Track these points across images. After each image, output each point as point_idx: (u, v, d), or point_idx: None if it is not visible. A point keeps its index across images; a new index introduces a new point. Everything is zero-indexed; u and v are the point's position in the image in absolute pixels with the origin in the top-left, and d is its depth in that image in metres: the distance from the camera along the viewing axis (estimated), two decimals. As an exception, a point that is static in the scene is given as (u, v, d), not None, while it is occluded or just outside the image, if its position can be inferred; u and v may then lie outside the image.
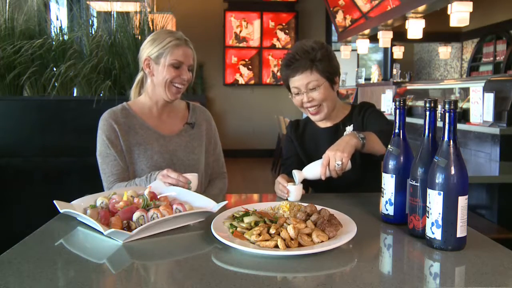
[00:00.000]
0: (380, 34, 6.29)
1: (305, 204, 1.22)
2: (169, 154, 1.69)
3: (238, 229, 1.11)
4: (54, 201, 1.26)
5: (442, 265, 0.99)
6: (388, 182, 1.22)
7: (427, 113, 1.11)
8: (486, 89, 2.95)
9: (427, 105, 1.11)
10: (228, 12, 8.35)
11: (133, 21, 2.85)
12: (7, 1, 2.70)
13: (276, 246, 1.00)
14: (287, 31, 8.48)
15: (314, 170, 1.48)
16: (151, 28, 2.88)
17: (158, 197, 1.33)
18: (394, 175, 1.21)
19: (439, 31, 7.25)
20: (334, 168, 1.41)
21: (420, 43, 8.94)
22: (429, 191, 1.05)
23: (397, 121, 1.23)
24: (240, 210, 1.23)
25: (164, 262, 1.03)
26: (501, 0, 6.70)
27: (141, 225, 1.13)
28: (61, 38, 2.79)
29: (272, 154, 7.40)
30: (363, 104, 1.78)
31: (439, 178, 1.03)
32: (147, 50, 1.68)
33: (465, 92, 3.65)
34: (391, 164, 1.22)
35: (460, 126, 3.00)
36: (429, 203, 1.05)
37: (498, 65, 7.09)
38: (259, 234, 1.03)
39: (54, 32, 2.84)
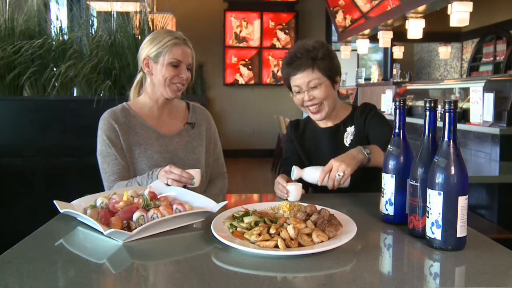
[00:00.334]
0: (380, 34, 6.29)
1: (305, 204, 1.22)
2: (170, 154, 1.69)
3: (238, 229, 1.11)
4: (54, 201, 1.26)
5: (442, 265, 0.99)
6: (388, 182, 1.22)
7: (427, 113, 1.11)
8: (486, 89, 2.95)
9: (427, 105, 1.11)
10: (228, 12, 8.35)
11: (133, 21, 2.85)
12: (7, 1, 2.70)
13: (276, 246, 1.00)
14: (287, 31, 8.48)
15: (313, 174, 1.48)
16: (151, 28, 2.88)
17: (158, 197, 1.33)
18: (394, 175, 1.21)
19: (439, 31, 7.25)
20: (334, 177, 1.42)
21: (420, 43, 8.94)
22: (429, 191, 1.05)
23: (397, 121, 1.23)
24: (240, 210, 1.23)
25: (164, 262, 1.03)
26: (501, 0, 6.70)
27: (141, 225, 1.13)
28: (61, 38, 2.79)
29: (272, 154, 7.41)
30: (365, 105, 1.78)
31: (439, 178, 1.03)
32: (146, 49, 1.68)
33: (465, 92, 3.65)
34: (391, 164, 1.22)
35: (460, 126, 3.00)
36: (429, 203, 1.05)
37: (498, 65, 7.09)
38: (259, 234, 1.03)
39: (54, 32, 2.84)
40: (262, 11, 8.40)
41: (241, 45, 8.45)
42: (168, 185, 1.46)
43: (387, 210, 1.24)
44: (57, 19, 2.88)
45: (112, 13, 2.95)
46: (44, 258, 1.00)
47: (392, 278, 0.93)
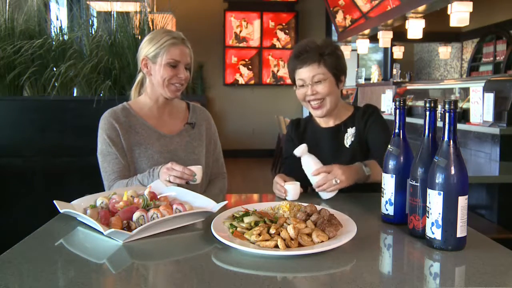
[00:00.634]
0: (380, 34, 6.29)
1: (305, 204, 1.22)
2: (170, 154, 1.69)
3: (238, 229, 1.11)
4: (54, 201, 1.26)
5: (442, 265, 0.99)
6: (388, 182, 1.23)
7: (427, 113, 1.11)
8: (486, 89, 2.95)
9: (427, 105, 1.11)
10: (228, 12, 8.35)
11: (133, 21, 2.84)
12: (7, 1, 2.70)
13: (276, 246, 1.00)
14: (287, 31, 8.48)
15: (312, 165, 1.48)
16: (151, 28, 2.88)
17: (158, 197, 1.33)
18: (394, 175, 1.21)
19: (439, 31, 7.24)
20: (329, 179, 1.43)
21: (420, 43, 8.93)
22: (429, 191, 1.05)
23: (397, 121, 1.23)
24: (240, 210, 1.23)
25: (164, 262, 1.03)
26: (501, 0, 6.70)
27: (141, 225, 1.13)
28: (61, 38, 2.79)
29: (272, 154, 7.40)
30: (367, 107, 1.77)
31: (439, 178, 1.03)
32: (144, 49, 1.69)
33: (465, 92, 3.65)
34: (391, 164, 1.22)
35: (460, 126, 3.00)
36: (429, 203, 1.05)
37: (498, 65, 7.09)
38: (259, 234, 1.03)
39: (54, 32, 2.84)
40: (262, 11, 8.40)
41: (241, 45, 8.44)
42: (170, 182, 1.46)
43: (387, 210, 1.24)
44: (57, 19, 2.88)
45: (112, 13, 2.95)
46: (44, 258, 1.00)
47: (392, 278, 0.93)
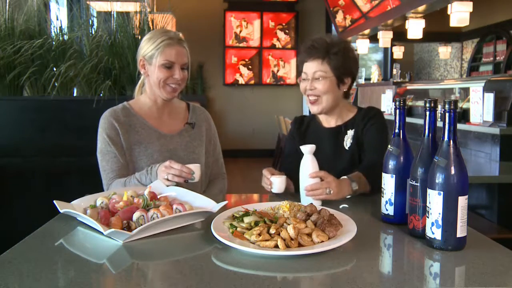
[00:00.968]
0: (380, 34, 6.29)
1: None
2: (170, 153, 1.69)
3: (238, 229, 1.11)
4: (54, 201, 1.26)
5: (442, 265, 0.99)
6: (388, 182, 1.23)
7: (427, 113, 1.11)
8: (486, 89, 2.95)
9: (427, 105, 1.11)
10: (228, 12, 8.35)
11: (133, 21, 2.84)
12: (7, 1, 2.70)
13: (276, 246, 1.00)
14: (287, 31, 8.48)
15: (310, 165, 1.45)
16: (151, 28, 2.88)
17: (158, 197, 1.33)
18: (394, 175, 1.21)
19: (439, 31, 7.24)
20: (323, 186, 1.39)
21: (420, 43, 8.93)
22: (429, 191, 1.05)
23: (397, 121, 1.23)
24: (240, 210, 1.23)
25: (164, 262, 1.03)
26: (501, 0, 6.70)
27: (141, 225, 1.13)
28: (61, 38, 2.79)
29: (272, 154, 7.40)
30: (369, 110, 1.75)
31: (439, 178, 1.03)
32: (142, 50, 1.69)
33: (465, 92, 3.64)
34: (391, 164, 1.22)
35: (460, 126, 3.00)
36: (429, 203, 1.05)
37: (498, 65, 7.09)
38: (259, 234, 1.03)
39: (54, 32, 2.84)
40: (262, 11, 8.40)
41: (241, 45, 8.44)
42: (168, 180, 1.46)
43: (387, 210, 1.24)
44: (57, 19, 2.88)
45: (112, 13, 2.95)
46: (44, 258, 1.00)
47: (392, 278, 0.93)
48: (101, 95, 2.60)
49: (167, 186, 1.47)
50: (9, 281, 0.89)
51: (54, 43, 2.73)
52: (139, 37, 2.77)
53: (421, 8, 4.90)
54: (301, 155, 1.48)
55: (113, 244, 1.08)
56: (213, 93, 8.43)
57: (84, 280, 0.89)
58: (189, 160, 1.72)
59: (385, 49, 8.96)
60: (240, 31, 8.42)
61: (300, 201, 1.39)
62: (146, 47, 1.67)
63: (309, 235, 1.05)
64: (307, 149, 1.45)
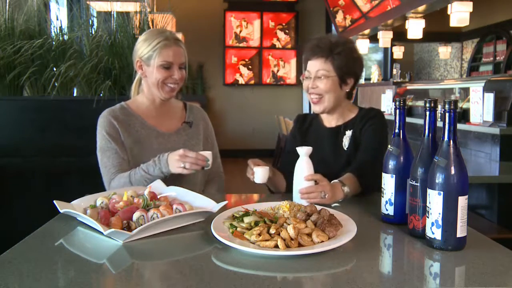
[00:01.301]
0: (380, 34, 6.28)
1: (305, 204, 1.22)
2: (168, 152, 1.70)
3: (238, 229, 1.11)
4: (54, 201, 1.26)
5: (442, 265, 0.99)
6: (388, 182, 1.23)
7: (427, 113, 1.11)
8: (486, 89, 2.95)
9: (427, 105, 1.11)
10: (228, 12, 8.35)
11: (133, 21, 2.84)
12: (7, 1, 2.70)
13: (276, 246, 1.00)
14: (287, 31, 8.48)
15: (306, 171, 1.44)
16: (151, 28, 2.88)
17: (158, 197, 1.33)
18: (394, 175, 1.21)
19: (439, 31, 7.24)
20: (318, 190, 1.38)
21: (420, 43, 8.93)
22: (429, 191, 1.05)
23: (397, 121, 1.23)
24: (240, 210, 1.23)
25: (164, 262, 1.03)
26: (501, 0, 6.70)
27: (141, 225, 1.13)
28: (61, 38, 2.79)
29: (272, 154, 7.40)
30: (369, 110, 1.75)
31: (439, 178, 1.03)
32: (138, 51, 1.70)
33: (465, 92, 3.64)
34: (391, 164, 1.22)
35: (460, 126, 3.00)
36: (429, 203, 1.05)
37: (498, 65, 7.09)
38: (259, 234, 1.03)
39: (54, 32, 2.83)
40: (262, 11, 8.40)
41: (241, 45, 8.44)
42: (186, 169, 1.48)
43: (387, 210, 1.24)
44: (57, 19, 2.87)
45: (112, 13, 2.94)
46: (44, 258, 1.00)
47: (392, 278, 0.93)
48: (101, 95, 2.60)
49: (185, 174, 1.50)
50: (9, 281, 0.89)
51: (54, 43, 2.73)
52: (139, 37, 2.76)
53: (421, 8, 4.90)
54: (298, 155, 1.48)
55: (113, 244, 1.08)
56: (213, 93, 8.43)
57: (84, 280, 0.89)
58: None
59: (385, 49, 8.96)
60: (240, 31, 8.42)
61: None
62: (143, 48, 1.67)
63: (309, 235, 1.05)
64: (303, 151, 1.45)
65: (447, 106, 1.03)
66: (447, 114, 1.03)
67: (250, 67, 8.50)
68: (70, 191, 1.51)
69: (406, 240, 1.14)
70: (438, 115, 1.27)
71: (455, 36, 7.93)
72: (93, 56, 2.65)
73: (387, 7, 5.75)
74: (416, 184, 1.11)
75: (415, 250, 1.08)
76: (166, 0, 4.15)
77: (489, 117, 2.86)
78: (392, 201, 1.22)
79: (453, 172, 1.02)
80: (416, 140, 1.60)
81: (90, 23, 2.99)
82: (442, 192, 1.02)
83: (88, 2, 3.79)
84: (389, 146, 1.24)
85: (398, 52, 8.19)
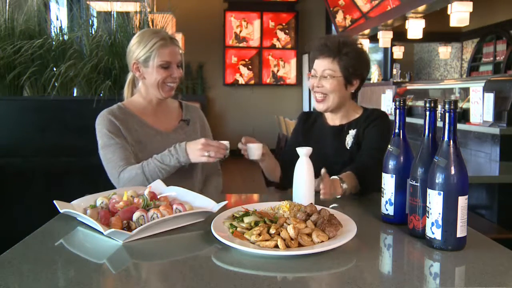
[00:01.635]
0: (380, 34, 6.29)
1: (305, 204, 1.22)
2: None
3: (238, 229, 1.10)
4: (54, 201, 1.26)
5: (442, 265, 0.99)
6: (388, 182, 1.23)
7: (427, 113, 1.11)
8: (486, 89, 2.95)
9: (427, 105, 1.11)
10: (228, 12, 8.35)
11: (133, 21, 2.85)
12: (7, 1, 2.70)
13: (276, 246, 1.00)
14: (287, 31, 8.48)
15: (305, 170, 1.43)
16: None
17: (158, 197, 1.33)
18: (394, 175, 1.21)
19: (439, 31, 7.24)
20: (316, 183, 1.40)
21: (420, 43, 8.93)
22: (429, 191, 1.05)
23: (397, 121, 1.23)
24: (240, 210, 1.23)
25: (164, 262, 1.03)
26: (501, 0, 6.70)
27: (141, 225, 1.13)
28: (61, 38, 2.79)
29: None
30: (373, 111, 1.75)
31: (439, 178, 1.03)
32: (134, 53, 1.69)
33: (465, 92, 3.65)
34: (391, 164, 1.22)
35: (460, 126, 3.00)
36: (429, 203, 1.05)
37: (498, 65, 7.09)
38: (259, 234, 1.03)
39: (54, 32, 2.84)
40: (262, 11, 8.41)
41: (241, 45, 8.45)
42: (210, 157, 1.51)
43: (387, 210, 1.24)
44: (57, 19, 2.87)
45: (112, 13, 2.94)
46: (44, 258, 1.00)
47: (392, 278, 0.93)
48: (101, 95, 2.60)
49: (208, 162, 1.55)
50: (9, 281, 0.89)
51: (54, 43, 2.73)
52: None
53: (421, 8, 4.91)
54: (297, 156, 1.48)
55: (113, 244, 1.08)
56: (213, 93, 8.43)
57: (84, 280, 0.89)
58: None
59: (385, 49, 8.96)
60: (240, 31, 8.42)
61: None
62: (139, 50, 1.67)
63: (309, 235, 1.05)
64: (303, 151, 1.45)
65: (447, 106, 1.03)
66: (447, 114, 1.03)
67: (250, 67, 8.50)
68: (70, 191, 1.51)
69: (406, 240, 1.14)
70: (438, 115, 1.27)
71: (455, 36, 7.93)
72: (93, 56, 2.66)
73: (387, 7, 5.75)
74: (416, 184, 1.11)
75: (415, 250, 1.08)
76: (166, 0, 4.15)
77: (489, 117, 2.86)
78: (392, 201, 1.22)
79: (453, 172, 1.02)
80: (416, 140, 1.60)
81: (90, 23, 2.99)
82: (442, 192, 1.02)
83: (88, 2, 3.79)
84: (389, 146, 1.24)
85: (398, 52, 8.19)
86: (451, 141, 1.03)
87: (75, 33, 2.86)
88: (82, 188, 1.50)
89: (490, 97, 2.86)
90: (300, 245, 1.02)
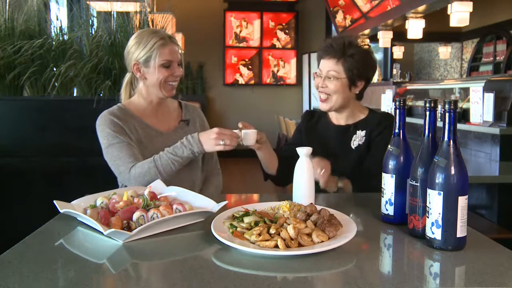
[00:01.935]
0: (380, 34, 6.29)
1: (305, 204, 1.22)
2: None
3: (238, 229, 1.10)
4: (54, 201, 1.26)
5: (442, 265, 0.99)
6: (388, 182, 1.23)
7: (427, 113, 1.11)
8: (486, 89, 2.95)
9: (427, 105, 1.11)
10: (228, 12, 8.35)
11: (133, 21, 2.85)
12: (7, 1, 2.70)
13: (276, 246, 1.00)
14: (287, 31, 8.48)
15: (305, 170, 1.44)
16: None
17: (158, 197, 1.33)
18: (394, 175, 1.21)
19: (439, 31, 7.24)
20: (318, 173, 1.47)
21: (420, 43, 8.94)
22: (429, 191, 1.05)
23: (397, 121, 1.23)
24: (240, 210, 1.23)
25: (164, 262, 1.03)
26: (501, 0, 6.70)
27: (141, 225, 1.13)
28: (61, 38, 2.79)
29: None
30: (386, 117, 1.74)
31: (439, 178, 1.03)
32: (133, 54, 1.69)
33: (465, 92, 3.65)
34: (391, 164, 1.22)
35: (460, 126, 3.00)
36: (429, 203, 1.05)
37: (498, 65, 7.09)
38: (259, 234, 1.03)
39: (54, 32, 2.84)
40: (262, 11, 8.40)
41: (241, 45, 8.45)
42: (226, 145, 1.53)
43: (387, 210, 1.24)
44: (57, 19, 2.87)
45: (112, 13, 2.94)
46: (44, 258, 1.00)
47: (392, 278, 0.93)
48: (101, 95, 2.60)
49: (223, 150, 1.56)
50: (9, 281, 0.89)
51: (54, 43, 2.73)
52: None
53: (421, 8, 4.91)
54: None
55: (113, 244, 1.08)
56: (213, 93, 8.43)
57: (84, 280, 0.89)
58: None
59: (385, 49, 8.96)
60: (240, 31, 8.42)
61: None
62: (138, 51, 1.67)
63: (309, 235, 1.05)
64: (303, 152, 1.45)
65: (447, 106, 1.03)
66: (447, 114, 1.03)
67: (250, 67, 8.50)
68: (70, 191, 1.51)
69: (406, 240, 1.14)
70: (438, 115, 1.28)
71: (455, 36, 7.93)
72: (93, 56, 2.66)
73: (387, 7, 5.75)
74: (416, 184, 1.11)
75: (415, 250, 1.08)
76: (166, 0, 4.15)
77: (489, 117, 2.86)
78: (392, 201, 1.22)
79: (453, 172, 1.02)
80: (416, 140, 1.60)
81: (90, 23, 2.99)
82: (442, 192, 1.02)
83: (88, 2, 3.79)
84: (389, 146, 1.24)
85: (398, 52, 8.20)
86: (451, 141, 1.03)
87: (75, 33, 2.87)
88: (82, 188, 1.50)
89: (490, 97, 2.86)
90: (300, 245, 1.02)
